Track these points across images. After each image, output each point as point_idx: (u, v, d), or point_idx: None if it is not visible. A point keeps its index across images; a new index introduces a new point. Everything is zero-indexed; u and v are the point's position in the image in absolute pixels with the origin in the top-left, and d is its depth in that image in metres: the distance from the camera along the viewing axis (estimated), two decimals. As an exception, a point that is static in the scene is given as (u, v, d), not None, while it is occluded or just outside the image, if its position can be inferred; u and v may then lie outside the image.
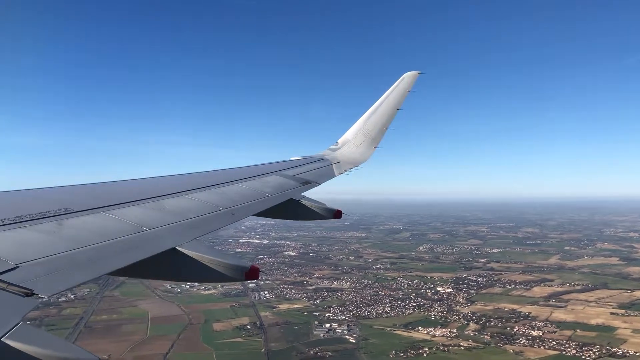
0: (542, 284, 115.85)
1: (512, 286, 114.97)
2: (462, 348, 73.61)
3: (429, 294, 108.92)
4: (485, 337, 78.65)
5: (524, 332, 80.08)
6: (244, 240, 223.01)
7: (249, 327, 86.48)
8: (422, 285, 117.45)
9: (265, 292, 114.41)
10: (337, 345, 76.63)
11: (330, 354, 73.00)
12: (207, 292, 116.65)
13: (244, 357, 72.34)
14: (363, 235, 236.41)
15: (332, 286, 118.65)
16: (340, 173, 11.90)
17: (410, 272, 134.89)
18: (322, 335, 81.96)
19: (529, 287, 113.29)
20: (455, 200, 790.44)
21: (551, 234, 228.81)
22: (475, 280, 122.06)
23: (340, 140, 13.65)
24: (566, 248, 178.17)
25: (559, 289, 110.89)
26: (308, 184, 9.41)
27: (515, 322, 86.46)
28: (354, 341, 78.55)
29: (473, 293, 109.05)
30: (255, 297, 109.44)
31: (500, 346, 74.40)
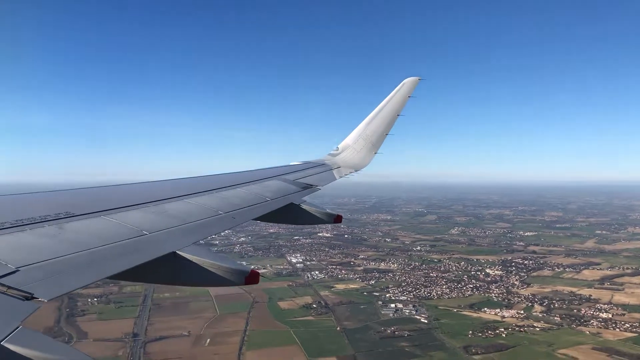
0: (590, 268, 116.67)
1: (561, 269, 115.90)
2: (537, 329, 74.75)
3: (481, 276, 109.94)
4: (556, 318, 79.77)
5: (593, 314, 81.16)
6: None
7: (314, 305, 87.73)
8: (471, 268, 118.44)
9: (316, 272, 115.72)
10: (410, 325, 77.81)
11: (407, 333, 74.22)
12: (258, 271, 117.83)
13: (322, 335, 73.53)
14: (388, 217, 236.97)
15: (380, 267, 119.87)
16: (341, 177, 12.08)
17: (453, 254, 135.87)
18: (391, 315, 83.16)
19: (578, 270, 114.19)
20: (465, 183, 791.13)
21: (577, 217, 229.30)
22: (521, 263, 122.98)
23: (340, 146, 13.71)
24: (597, 232, 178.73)
25: (609, 272, 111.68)
26: (308, 188, 9.43)
27: (579, 304, 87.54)
28: (425, 321, 79.75)
29: (524, 275, 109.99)
30: (308, 277, 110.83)
31: (574, 327, 75.53)
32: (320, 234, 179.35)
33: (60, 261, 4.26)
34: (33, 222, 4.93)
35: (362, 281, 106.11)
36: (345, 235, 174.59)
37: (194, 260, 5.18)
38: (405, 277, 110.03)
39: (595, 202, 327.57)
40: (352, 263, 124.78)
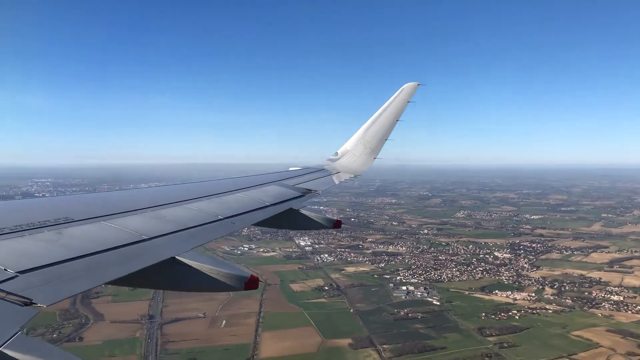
0: (598, 251, 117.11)
1: (569, 252, 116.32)
2: (550, 311, 75.32)
3: (490, 259, 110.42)
4: (567, 301, 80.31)
5: (604, 297, 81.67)
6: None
7: (326, 288, 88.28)
8: (479, 251, 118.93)
9: (325, 255, 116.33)
10: (423, 307, 78.40)
11: (420, 315, 74.83)
12: (267, 254, 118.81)
13: (336, 317, 74.15)
14: (393, 201, 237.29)
15: (388, 250, 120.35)
16: (340, 182, 12.12)
17: (461, 237, 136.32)
18: (403, 297, 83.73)
19: (586, 254, 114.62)
20: (467, 167, 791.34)
21: (582, 201, 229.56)
22: (529, 246, 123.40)
23: (339, 151, 13.70)
24: (604, 215, 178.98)
25: (617, 255, 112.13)
26: (308, 194, 9.40)
27: (590, 287, 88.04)
28: (437, 303, 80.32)
29: (533, 259, 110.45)
30: (318, 260, 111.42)
31: (586, 310, 76.08)
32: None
33: (60, 266, 4.27)
34: (32, 227, 4.96)
35: (372, 264, 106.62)
36: (352, 219, 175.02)
37: (193, 266, 5.19)
38: (414, 260, 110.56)
39: (599, 185, 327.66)
40: (360, 246, 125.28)
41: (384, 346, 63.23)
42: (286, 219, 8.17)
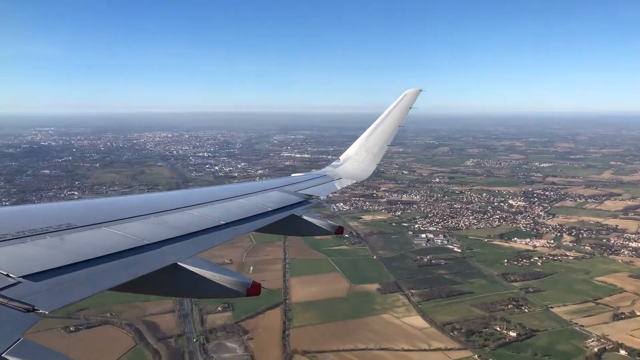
0: (612, 198, 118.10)
1: (583, 200, 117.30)
2: (571, 258, 76.73)
3: (505, 207, 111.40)
4: (586, 247, 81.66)
5: (622, 244, 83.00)
6: (285, 154, 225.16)
7: (346, 236, 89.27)
8: (493, 199, 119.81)
9: (341, 204, 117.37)
10: (445, 254, 79.74)
11: (443, 261, 76.24)
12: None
13: (361, 263, 75.56)
14: (401, 150, 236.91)
15: (403, 199, 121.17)
16: (342, 188, 12.22)
17: (473, 186, 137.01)
18: (423, 244, 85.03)
19: (600, 201, 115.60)
20: (470, 115, 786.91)
21: (589, 149, 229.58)
22: (543, 194, 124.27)
23: (342, 157, 13.81)
24: (612, 163, 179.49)
25: (631, 203, 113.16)
26: (310, 200, 9.34)
27: (607, 234, 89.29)
28: (459, 250, 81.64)
29: (547, 206, 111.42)
30: (334, 209, 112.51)
31: (606, 256, 77.46)
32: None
33: (62, 272, 4.29)
34: (34, 233, 4.98)
35: (388, 212, 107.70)
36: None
37: (195, 272, 5.18)
38: (429, 208, 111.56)
39: (604, 133, 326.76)
40: (374, 195, 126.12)
41: (412, 291, 64.74)
42: (289, 225, 8.18)
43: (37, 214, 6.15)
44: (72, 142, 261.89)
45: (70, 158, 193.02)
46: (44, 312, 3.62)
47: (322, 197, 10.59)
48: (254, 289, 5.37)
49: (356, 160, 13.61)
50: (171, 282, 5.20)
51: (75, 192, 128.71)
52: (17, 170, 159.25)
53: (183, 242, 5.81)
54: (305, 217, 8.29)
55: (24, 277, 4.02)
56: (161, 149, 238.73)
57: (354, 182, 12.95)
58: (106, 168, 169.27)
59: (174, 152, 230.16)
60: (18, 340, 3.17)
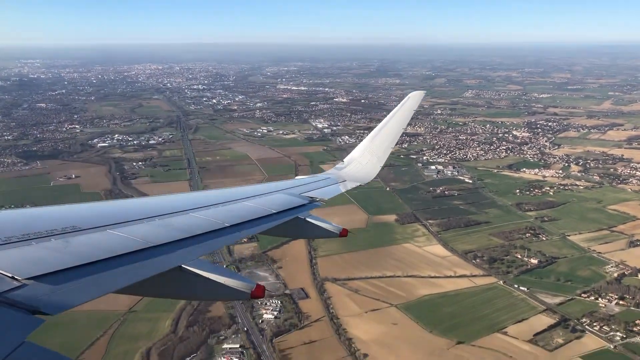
0: (614, 128, 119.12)
1: (586, 130, 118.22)
2: (581, 187, 78.25)
3: (510, 138, 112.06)
4: (595, 177, 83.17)
5: (630, 173, 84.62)
6: (281, 86, 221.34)
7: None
8: (497, 130, 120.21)
9: (346, 137, 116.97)
10: (457, 185, 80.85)
11: (457, 192, 77.37)
12: (288, 136, 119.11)
13: (375, 195, 76.41)
14: (397, 81, 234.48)
15: (407, 131, 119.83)
16: (346, 190, 12.13)
17: (476, 117, 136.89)
18: (434, 176, 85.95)
19: (603, 131, 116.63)
20: (463, 45, 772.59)
21: (586, 79, 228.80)
22: (546, 124, 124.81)
23: (346, 160, 13.76)
24: (610, 93, 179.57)
25: (634, 132, 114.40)
26: (314, 202, 9.18)
27: (614, 163, 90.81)
28: (470, 181, 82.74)
29: (551, 137, 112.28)
30: (340, 142, 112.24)
31: (615, 186, 79.08)
32: (337, 99, 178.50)
33: (67, 275, 4.31)
34: (40, 236, 5.00)
35: (395, 144, 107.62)
36: (362, 100, 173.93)
37: (200, 274, 5.21)
38: (435, 140, 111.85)
39: (599, 63, 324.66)
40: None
41: (430, 221, 66.03)
42: (293, 227, 8.12)
43: (42, 216, 6.18)
44: (62, 74, 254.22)
45: (64, 91, 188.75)
46: (49, 314, 3.62)
47: (326, 201, 10.64)
48: (258, 292, 5.40)
49: (360, 162, 13.36)
50: (176, 284, 5.25)
51: (77, 126, 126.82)
52: (12, 104, 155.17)
53: (188, 245, 5.81)
54: (309, 220, 8.24)
55: (29, 279, 4.00)
56: (154, 82, 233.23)
57: (358, 184, 12.96)
58: (102, 101, 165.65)
59: (168, 84, 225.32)
60: (22, 342, 3.19)
